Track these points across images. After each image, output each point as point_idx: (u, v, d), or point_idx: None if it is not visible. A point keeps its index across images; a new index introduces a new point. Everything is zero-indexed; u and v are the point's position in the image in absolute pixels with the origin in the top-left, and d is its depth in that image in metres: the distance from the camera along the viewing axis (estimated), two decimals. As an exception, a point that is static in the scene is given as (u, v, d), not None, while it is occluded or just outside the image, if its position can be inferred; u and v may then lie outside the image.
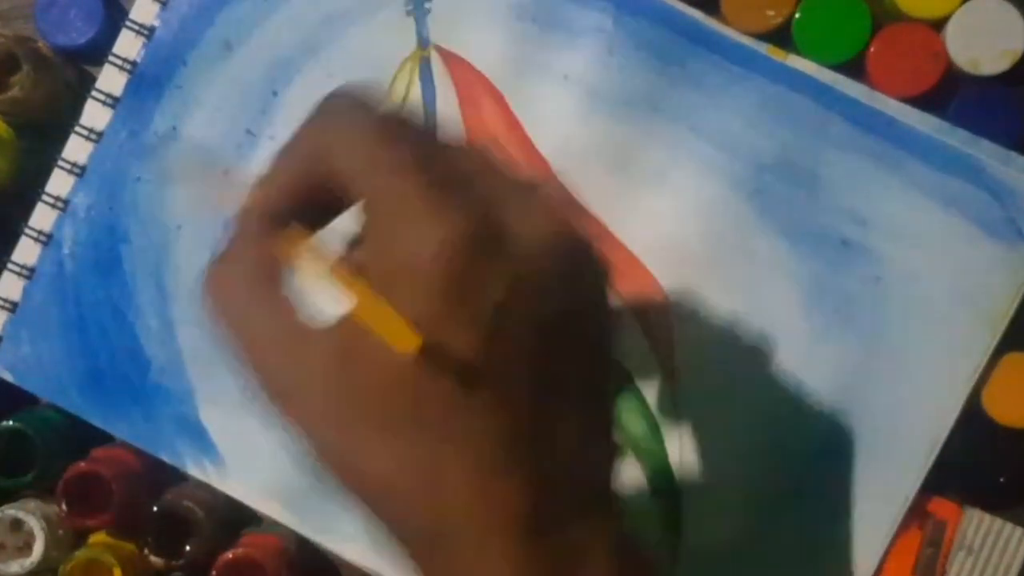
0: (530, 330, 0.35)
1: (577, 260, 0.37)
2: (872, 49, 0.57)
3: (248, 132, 0.59)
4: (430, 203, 0.34)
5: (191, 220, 0.59)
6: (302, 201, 0.37)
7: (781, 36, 0.58)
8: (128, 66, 0.59)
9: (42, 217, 0.60)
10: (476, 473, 0.35)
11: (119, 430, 0.59)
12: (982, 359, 0.57)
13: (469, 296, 0.34)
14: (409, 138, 0.36)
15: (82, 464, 0.57)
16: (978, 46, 0.57)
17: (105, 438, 0.60)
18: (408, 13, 0.59)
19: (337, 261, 0.35)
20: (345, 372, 0.35)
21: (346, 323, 0.35)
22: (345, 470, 0.36)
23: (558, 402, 0.36)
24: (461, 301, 0.33)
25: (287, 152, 0.37)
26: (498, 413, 0.35)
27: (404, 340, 0.32)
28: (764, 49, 0.58)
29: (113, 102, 0.59)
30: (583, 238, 0.38)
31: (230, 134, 0.59)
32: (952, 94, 0.58)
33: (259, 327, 0.36)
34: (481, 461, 0.35)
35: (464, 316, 0.34)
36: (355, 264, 0.35)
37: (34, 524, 0.57)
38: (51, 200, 0.59)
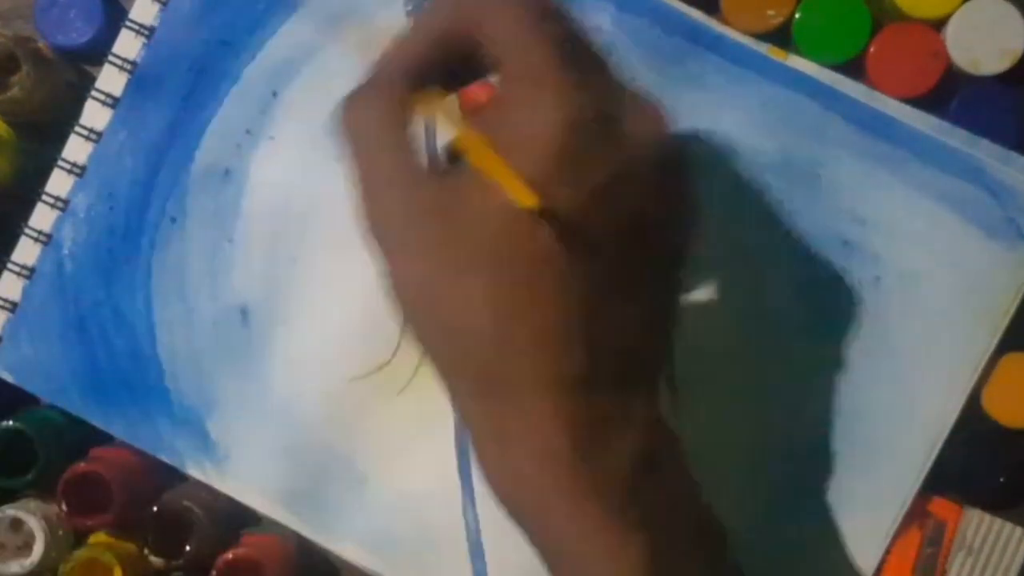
0: (625, 215, 0.39)
1: (673, 171, 0.42)
2: (872, 49, 0.57)
3: (247, 132, 0.59)
4: (563, 81, 0.38)
5: (190, 219, 0.59)
6: (443, 59, 0.41)
7: (781, 36, 0.58)
8: (128, 66, 0.59)
9: (42, 217, 0.59)
10: (551, 330, 0.39)
11: (119, 430, 0.59)
12: (982, 359, 0.57)
13: (580, 170, 0.38)
14: (555, 17, 0.40)
15: (82, 464, 0.57)
16: (978, 46, 0.57)
17: (105, 438, 0.60)
18: (408, 13, 0.59)
19: (466, 124, 0.40)
20: (449, 216, 0.39)
21: (459, 173, 0.39)
22: (424, 303, 0.40)
23: (633, 287, 0.41)
24: (573, 173, 0.38)
25: (438, 8, 0.41)
26: (584, 279, 0.39)
27: (524, 197, 0.36)
28: (764, 49, 0.58)
29: (113, 102, 0.59)
30: (684, 156, 0.43)
31: (229, 134, 0.59)
32: (952, 94, 0.58)
33: (381, 162, 0.40)
34: (559, 318, 0.39)
35: (572, 184, 0.38)
36: (484, 123, 0.39)
37: (34, 524, 0.57)
38: (51, 200, 0.59)
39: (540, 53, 0.39)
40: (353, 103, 0.41)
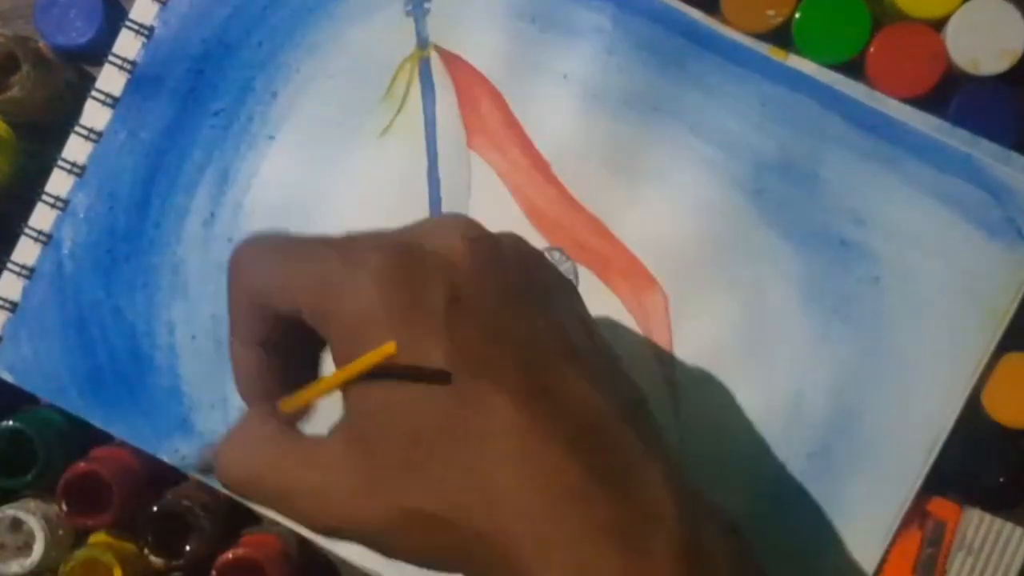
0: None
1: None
2: (872, 49, 0.57)
3: (247, 132, 0.59)
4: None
5: (189, 219, 0.59)
6: (272, 339, 0.39)
7: (781, 36, 0.58)
8: (128, 66, 0.59)
9: (42, 217, 0.59)
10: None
11: (119, 430, 0.59)
12: (982, 359, 0.57)
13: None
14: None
15: (82, 464, 0.57)
16: (978, 46, 0.57)
17: (105, 438, 0.60)
18: (407, 13, 0.59)
19: (321, 382, 0.38)
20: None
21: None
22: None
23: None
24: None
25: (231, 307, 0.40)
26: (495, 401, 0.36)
27: (381, 350, 0.34)
28: (764, 49, 0.58)
29: (113, 102, 0.59)
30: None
31: (229, 135, 0.59)
32: (952, 94, 0.58)
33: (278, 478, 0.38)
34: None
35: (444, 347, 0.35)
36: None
37: (34, 524, 0.57)
38: (51, 200, 0.59)
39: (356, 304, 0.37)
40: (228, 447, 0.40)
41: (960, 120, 0.57)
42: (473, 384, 0.35)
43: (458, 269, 0.37)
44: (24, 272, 0.59)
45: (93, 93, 0.59)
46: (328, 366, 0.38)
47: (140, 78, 0.59)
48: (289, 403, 0.39)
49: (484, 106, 0.59)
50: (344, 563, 0.60)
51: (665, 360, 0.59)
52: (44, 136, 0.60)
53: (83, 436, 0.60)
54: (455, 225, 0.38)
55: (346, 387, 0.36)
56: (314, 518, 0.38)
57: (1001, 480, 0.59)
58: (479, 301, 0.36)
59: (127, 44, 0.59)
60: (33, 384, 0.60)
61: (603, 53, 0.58)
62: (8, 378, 0.60)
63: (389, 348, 0.34)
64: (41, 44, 0.60)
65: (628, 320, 0.59)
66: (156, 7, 0.59)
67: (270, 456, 0.38)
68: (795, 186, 0.58)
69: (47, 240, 0.59)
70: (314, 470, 0.37)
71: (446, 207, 0.59)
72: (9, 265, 0.59)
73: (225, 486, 0.39)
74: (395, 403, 0.35)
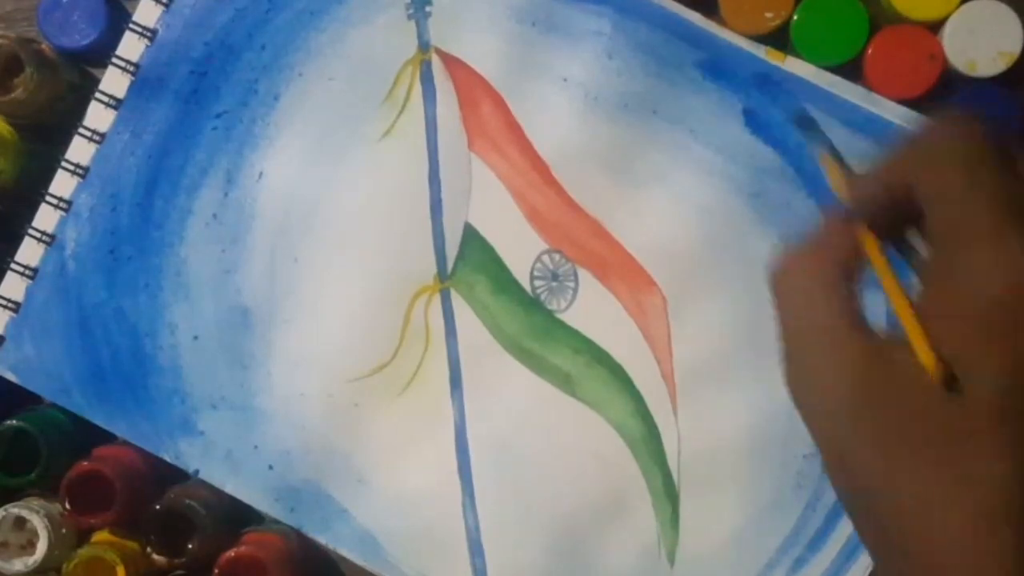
0: None
1: None
2: (870, 51, 0.58)
3: (250, 135, 0.59)
4: (998, 242, 0.35)
5: (192, 220, 0.60)
6: (883, 210, 0.38)
7: (779, 38, 0.58)
8: (131, 68, 0.59)
9: (45, 218, 0.60)
10: (978, 519, 0.34)
11: (121, 430, 0.60)
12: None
13: (1015, 341, 0.34)
14: (998, 166, 0.36)
15: (85, 463, 0.58)
16: (975, 48, 0.57)
17: (108, 437, 0.60)
18: (409, 17, 0.59)
19: (895, 279, 0.37)
20: (870, 384, 0.36)
21: (891, 339, 0.36)
22: (833, 470, 0.37)
23: None
24: (1005, 344, 0.34)
25: (883, 162, 0.39)
26: (1012, 461, 0.35)
27: (929, 365, 0.34)
28: (762, 51, 0.58)
29: (116, 104, 0.59)
30: None
31: (231, 137, 0.59)
32: (949, 96, 0.58)
33: (809, 321, 0.38)
34: (984, 507, 0.34)
35: (1003, 356, 0.34)
36: (921, 284, 0.37)
37: (37, 523, 0.57)
38: (54, 201, 0.59)
39: (973, 211, 0.36)
40: (789, 258, 0.40)
41: (957, 122, 0.57)
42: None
43: None
44: (27, 273, 0.60)
45: (96, 95, 0.59)
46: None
47: (143, 80, 0.60)
48: (866, 245, 0.39)
49: (485, 109, 0.59)
50: (345, 561, 0.60)
51: (664, 361, 0.59)
52: (47, 137, 0.61)
53: (86, 435, 0.60)
54: None
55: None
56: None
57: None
58: None
59: (130, 46, 0.59)
60: (36, 384, 0.60)
61: (603, 56, 0.58)
62: (11, 378, 0.60)
63: (931, 367, 0.34)
64: (44, 46, 0.60)
65: (627, 321, 0.59)
66: (159, 10, 0.59)
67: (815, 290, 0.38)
68: (793, 187, 0.58)
69: (50, 241, 0.60)
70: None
71: (447, 209, 0.59)
72: (12, 266, 0.60)
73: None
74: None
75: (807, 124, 0.56)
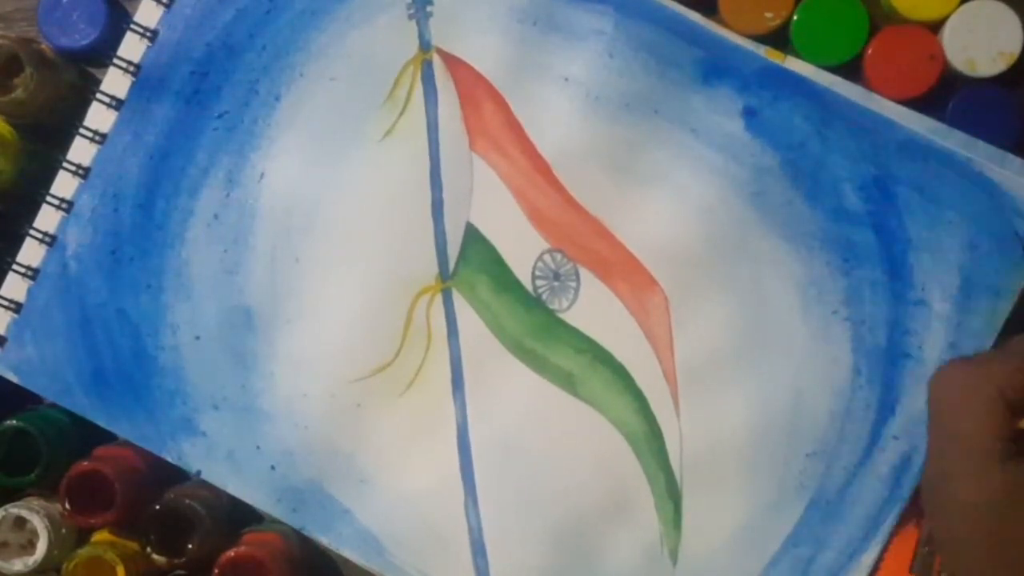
0: None
1: None
2: (870, 51, 0.58)
3: (251, 135, 0.59)
4: None
5: (194, 221, 0.60)
6: None
7: (779, 38, 0.58)
8: (132, 69, 0.59)
9: (46, 219, 0.60)
10: None
11: (123, 430, 0.60)
12: (980, 359, 0.58)
13: None
14: None
15: (85, 463, 0.58)
16: (975, 48, 0.57)
17: (108, 437, 0.60)
18: (410, 16, 0.59)
19: None
20: (1004, 514, 0.37)
21: None
22: None
23: None
24: None
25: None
26: None
27: None
28: (762, 51, 0.58)
29: (117, 104, 0.59)
30: None
31: (232, 137, 0.59)
32: (949, 96, 0.58)
33: (959, 433, 0.39)
34: None
35: None
36: None
37: (37, 522, 0.57)
38: (55, 202, 0.59)
39: None
40: (953, 368, 0.40)
41: (957, 122, 0.58)
42: None
43: None
44: (29, 273, 0.60)
45: (98, 95, 0.59)
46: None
47: (144, 81, 0.60)
48: None
49: (486, 108, 0.59)
50: (346, 562, 0.60)
51: (666, 361, 0.59)
52: (47, 137, 0.61)
53: (86, 435, 0.60)
54: None
55: None
56: None
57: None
58: None
59: (131, 47, 0.60)
60: (38, 385, 0.60)
61: (604, 56, 0.58)
62: (13, 379, 0.60)
63: None
64: (44, 46, 0.60)
65: (629, 321, 0.59)
66: (160, 10, 0.59)
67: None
68: (796, 187, 0.58)
69: (52, 242, 0.60)
70: None
71: (448, 208, 0.59)
72: (14, 267, 0.60)
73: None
74: None
75: None
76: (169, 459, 0.59)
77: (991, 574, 0.36)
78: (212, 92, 0.60)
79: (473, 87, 0.59)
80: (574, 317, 0.59)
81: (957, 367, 0.40)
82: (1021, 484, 0.36)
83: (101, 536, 0.59)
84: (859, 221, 0.58)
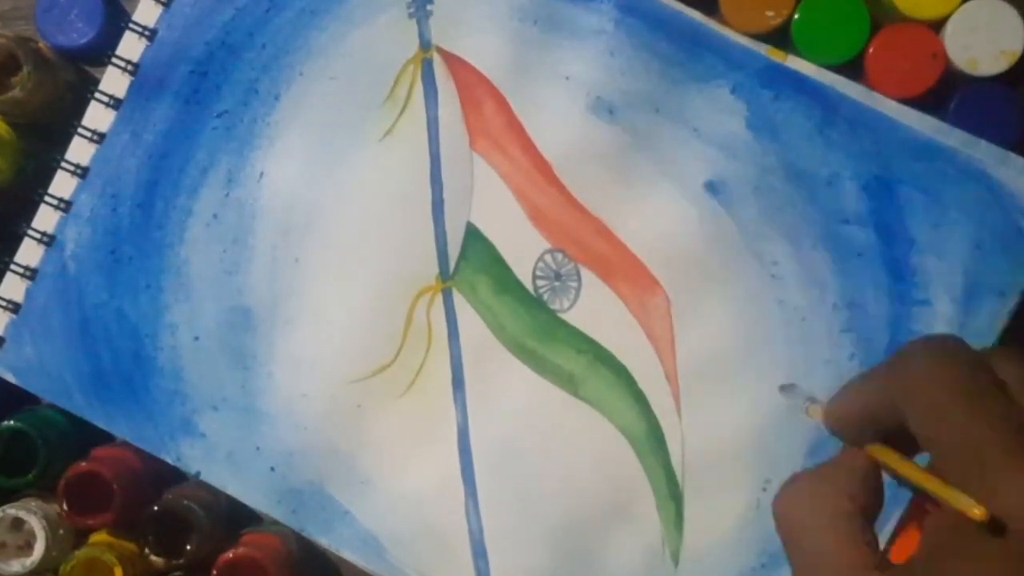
0: None
1: None
2: (871, 50, 0.58)
3: (250, 135, 0.59)
4: (1014, 460, 0.34)
5: (193, 221, 0.59)
6: (875, 429, 0.39)
7: (780, 37, 0.58)
8: (131, 68, 0.59)
9: (45, 218, 0.60)
10: None
11: (122, 431, 0.59)
12: (982, 359, 0.57)
13: None
14: (986, 394, 0.36)
15: (83, 464, 0.57)
16: (977, 46, 0.57)
17: (106, 438, 0.60)
18: (410, 15, 0.59)
19: (914, 465, 0.37)
20: None
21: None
22: None
23: None
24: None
25: (866, 380, 0.39)
26: None
27: (972, 509, 0.34)
28: (764, 50, 0.58)
29: (116, 104, 0.59)
30: None
31: (232, 137, 0.59)
32: (951, 95, 0.58)
33: (819, 555, 0.37)
34: None
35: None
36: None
37: (35, 523, 0.57)
38: (54, 202, 0.59)
39: (979, 436, 0.35)
40: (796, 488, 0.39)
41: (959, 121, 0.57)
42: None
43: None
44: (27, 273, 0.59)
45: (96, 95, 0.59)
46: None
47: (143, 80, 0.59)
48: (876, 451, 0.39)
49: (486, 108, 0.59)
50: (344, 563, 0.60)
51: (667, 361, 0.59)
52: (45, 137, 0.61)
53: (84, 436, 0.60)
54: None
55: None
56: None
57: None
58: None
59: (130, 46, 0.59)
60: (36, 385, 0.60)
61: (605, 55, 0.58)
62: (11, 379, 0.60)
63: (979, 513, 0.34)
64: (42, 45, 0.60)
65: (630, 321, 0.59)
66: (159, 9, 0.59)
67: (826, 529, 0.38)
68: (796, 187, 0.58)
69: (50, 242, 0.59)
70: None
71: (449, 208, 0.59)
72: (12, 267, 0.59)
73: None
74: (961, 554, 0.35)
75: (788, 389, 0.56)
76: (168, 460, 0.59)
77: None
78: (211, 91, 0.59)
79: (474, 86, 0.59)
80: (575, 317, 0.59)
81: (802, 483, 0.39)
82: None
83: (99, 537, 0.59)
84: (861, 220, 0.58)
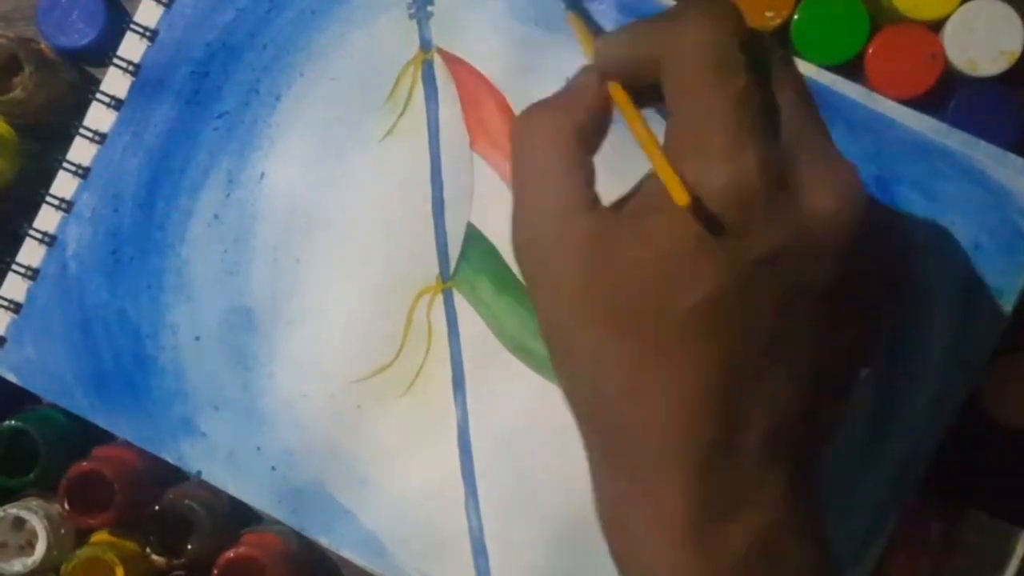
0: (791, 289, 0.36)
1: (864, 244, 0.38)
2: (870, 50, 0.58)
3: (251, 135, 0.59)
4: (729, 146, 0.35)
5: (194, 221, 0.59)
6: (629, 79, 0.39)
7: (779, 37, 0.58)
8: (132, 69, 0.59)
9: (46, 219, 0.60)
10: (688, 397, 0.36)
11: (123, 431, 0.59)
12: (982, 359, 0.57)
13: (742, 240, 0.35)
14: (738, 69, 0.36)
15: (84, 463, 0.58)
16: (976, 47, 0.57)
17: (107, 437, 0.60)
18: (410, 16, 0.59)
19: (641, 120, 0.38)
20: (599, 260, 0.37)
21: (621, 214, 0.37)
22: (561, 347, 0.39)
23: (793, 365, 0.37)
24: (732, 242, 0.35)
25: (633, 30, 0.39)
26: (734, 347, 0.36)
27: (677, 194, 0.34)
28: (763, 51, 0.58)
29: (117, 104, 0.59)
30: (878, 227, 0.39)
31: (233, 137, 0.59)
32: (950, 95, 0.58)
33: (544, 185, 0.38)
34: (699, 384, 0.36)
35: (731, 252, 0.35)
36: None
37: (36, 523, 0.57)
38: (55, 202, 0.59)
39: (711, 109, 0.36)
40: (528, 117, 0.39)
41: (958, 121, 0.57)
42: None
43: None
44: (28, 274, 0.60)
45: (97, 95, 0.59)
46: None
47: (144, 81, 0.60)
48: (615, 90, 0.39)
49: (487, 109, 0.59)
50: (345, 563, 0.60)
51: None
52: (46, 137, 0.61)
53: (85, 435, 0.60)
54: None
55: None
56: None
57: (1001, 480, 0.59)
58: None
59: (131, 47, 0.60)
60: (37, 385, 0.60)
61: (604, 55, 0.58)
62: (12, 379, 0.60)
63: (683, 199, 0.34)
64: (43, 45, 0.60)
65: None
66: (160, 10, 0.59)
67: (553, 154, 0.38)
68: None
69: (51, 242, 0.60)
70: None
71: (449, 209, 0.59)
72: (14, 267, 0.59)
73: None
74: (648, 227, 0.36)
75: None
76: (169, 460, 0.59)
77: (582, 328, 0.37)
78: (212, 92, 0.60)
79: (474, 87, 0.59)
80: (575, 317, 0.59)
81: (535, 106, 0.40)
82: (602, 233, 0.37)
83: (100, 537, 0.59)
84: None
